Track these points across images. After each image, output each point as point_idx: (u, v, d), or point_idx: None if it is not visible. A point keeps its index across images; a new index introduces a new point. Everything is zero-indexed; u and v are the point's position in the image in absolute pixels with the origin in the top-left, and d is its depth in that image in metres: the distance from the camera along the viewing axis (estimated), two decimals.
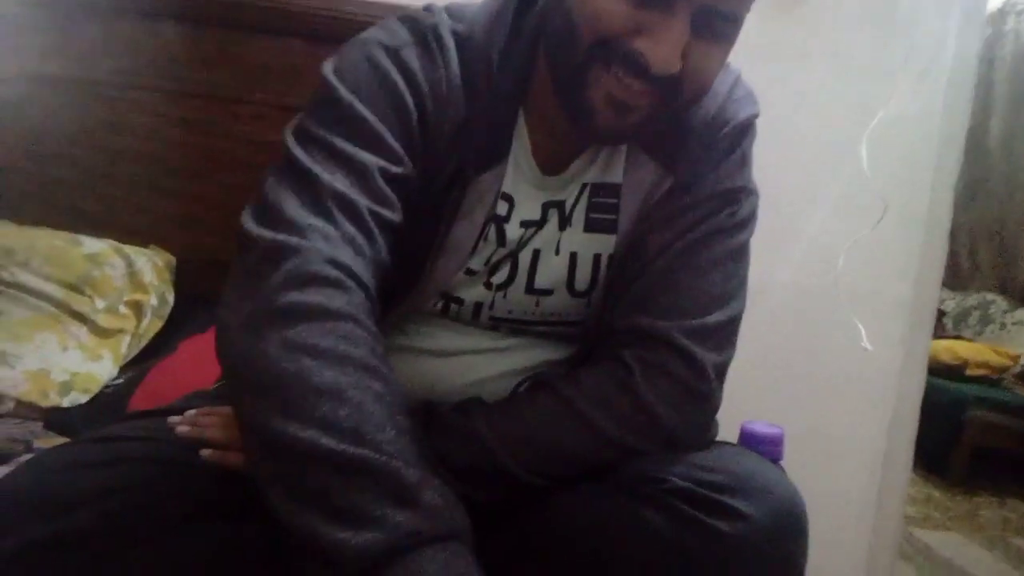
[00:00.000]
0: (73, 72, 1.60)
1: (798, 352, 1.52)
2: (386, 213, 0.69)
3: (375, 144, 0.70)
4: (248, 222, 0.66)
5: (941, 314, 3.69)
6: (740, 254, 0.80)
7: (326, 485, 0.55)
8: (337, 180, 0.67)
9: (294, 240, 0.63)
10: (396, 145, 0.71)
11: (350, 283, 0.64)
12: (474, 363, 0.83)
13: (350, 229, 0.66)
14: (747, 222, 0.80)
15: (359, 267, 0.65)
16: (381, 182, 0.69)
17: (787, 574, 0.71)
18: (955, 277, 3.95)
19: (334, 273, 0.63)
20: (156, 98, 1.62)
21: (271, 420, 0.57)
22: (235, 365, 0.61)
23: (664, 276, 0.77)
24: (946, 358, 3.14)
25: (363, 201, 0.67)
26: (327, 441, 0.55)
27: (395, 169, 0.71)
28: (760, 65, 1.43)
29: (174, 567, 0.68)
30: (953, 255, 3.87)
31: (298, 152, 0.68)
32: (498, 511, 0.75)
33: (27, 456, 1.16)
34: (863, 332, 1.51)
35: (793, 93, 1.49)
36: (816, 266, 1.52)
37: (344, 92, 0.70)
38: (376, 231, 0.68)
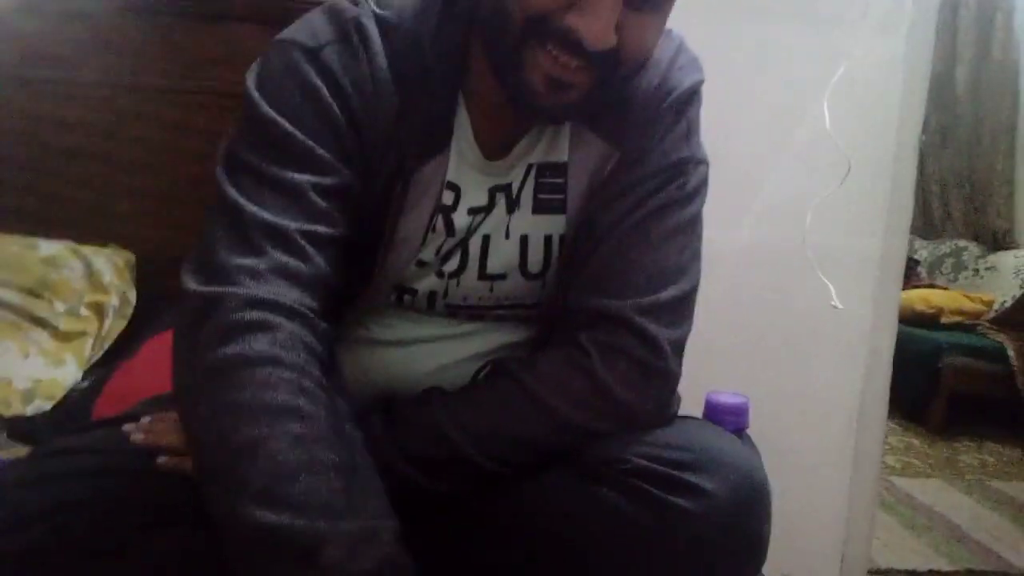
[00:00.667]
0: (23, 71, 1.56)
1: (767, 315, 1.52)
2: (322, 229, 0.69)
3: (304, 160, 0.69)
4: (184, 275, 0.67)
5: (915, 263, 3.71)
6: (692, 226, 0.78)
7: (242, 546, 0.57)
8: (265, 209, 0.67)
9: (218, 290, 0.64)
10: (327, 156, 0.70)
11: (275, 318, 0.64)
12: (433, 351, 0.82)
13: (280, 258, 0.66)
14: (697, 193, 0.79)
15: (291, 295, 0.65)
16: (315, 198, 0.68)
17: (751, 547, 0.71)
18: (928, 225, 3.97)
19: (255, 315, 0.63)
20: (109, 93, 1.58)
21: (202, 484, 0.61)
22: (183, 426, 0.65)
23: (616, 254, 0.76)
24: (921, 307, 3.17)
25: (294, 225, 0.67)
26: (241, 507, 0.57)
27: (328, 181, 0.70)
28: (718, 22, 1.42)
29: None
30: (925, 204, 3.90)
31: (226, 185, 0.68)
32: (461, 499, 0.75)
33: None
34: (833, 291, 1.51)
35: (752, 50, 1.47)
36: (782, 226, 1.51)
37: (267, 109, 0.69)
38: (311, 250, 0.68)
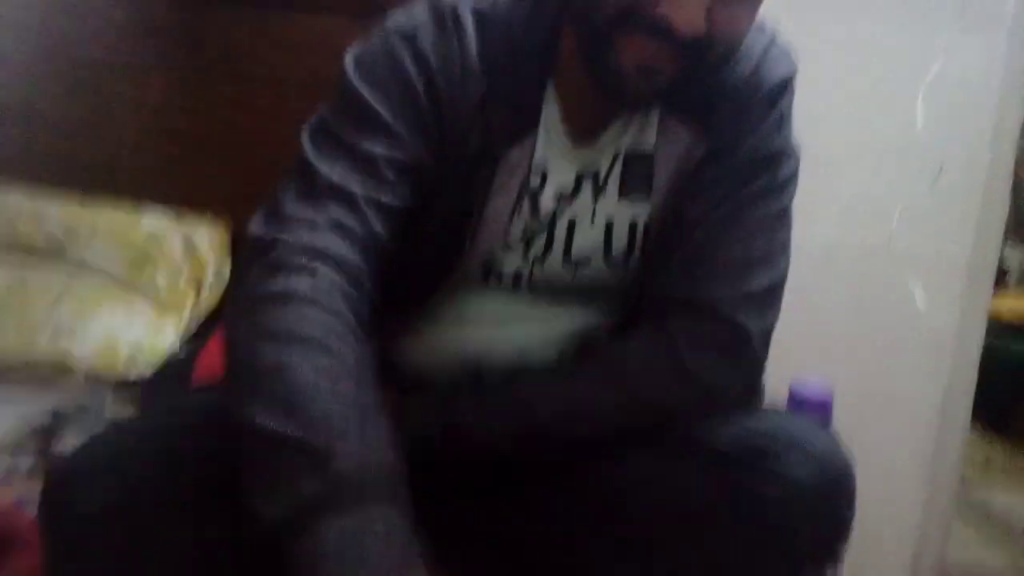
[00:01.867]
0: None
1: (850, 313, 1.49)
2: (385, 199, 0.72)
3: (380, 132, 0.72)
4: (250, 222, 0.71)
5: (1003, 273, 3.56)
6: (781, 218, 0.79)
7: (258, 459, 0.59)
8: (335, 171, 0.71)
9: (274, 235, 0.68)
10: (404, 132, 0.73)
11: (323, 268, 0.67)
12: (518, 331, 0.84)
13: (338, 216, 0.69)
14: (787, 185, 0.79)
15: (343, 250, 0.69)
16: (385, 169, 0.72)
17: (833, 536, 0.72)
18: (1020, 230, 3.80)
19: (304, 261, 0.67)
20: (204, 78, 1.66)
21: (232, 401, 0.63)
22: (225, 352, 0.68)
23: (704, 245, 0.77)
24: (1009, 316, 3.05)
25: (359, 190, 0.71)
26: (261, 419, 0.59)
27: (401, 156, 0.73)
28: (810, 17, 1.41)
29: (234, 536, 0.72)
30: (1017, 208, 3.72)
31: (307, 146, 0.73)
32: (540, 472, 0.77)
33: (99, 423, 1.22)
34: (918, 294, 1.48)
35: (845, 45, 1.45)
36: (869, 225, 1.48)
37: (356, 82, 0.74)
38: (371, 215, 0.71)
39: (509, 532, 0.79)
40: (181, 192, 1.66)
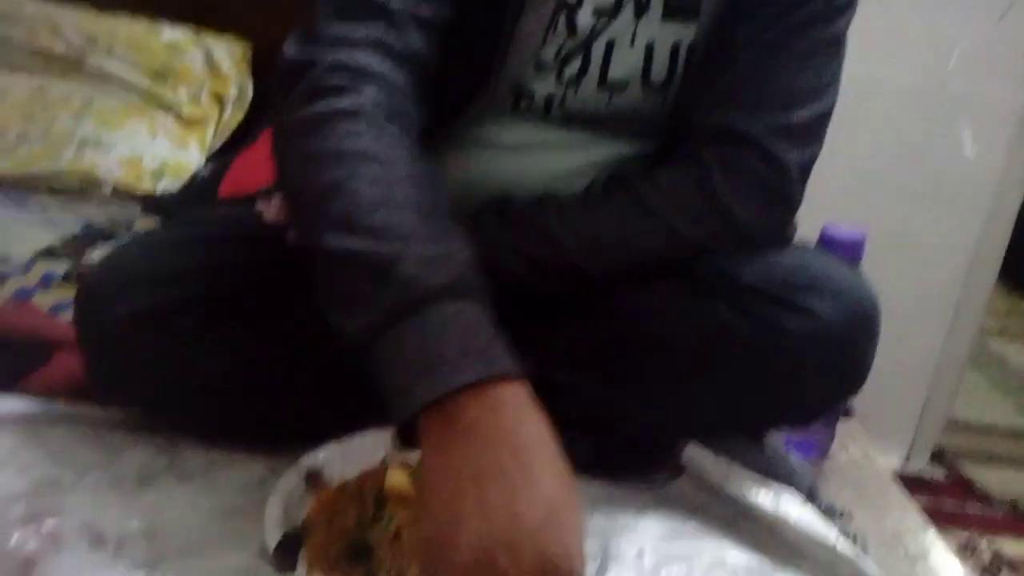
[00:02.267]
0: None
1: (894, 154, 1.45)
2: (425, 11, 0.69)
3: None
4: (286, 44, 0.69)
5: None
6: (835, 45, 0.74)
7: (330, 275, 0.60)
8: None
9: (315, 56, 0.66)
10: None
11: (364, 86, 0.65)
12: (548, 158, 0.82)
13: (377, 32, 0.67)
14: (844, 11, 0.74)
15: (382, 66, 0.66)
16: None
17: (854, 375, 0.73)
18: None
19: (345, 81, 0.65)
20: None
21: (296, 225, 0.64)
22: (277, 181, 0.68)
23: (751, 69, 0.72)
24: None
25: (398, 4, 0.68)
26: (326, 240, 0.59)
27: None
28: None
29: (265, 337, 0.75)
30: None
31: None
32: (567, 301, 0.77)
33: (128, 237, 1.24)
34: (966, 140, 1.42)
35: None
36: (924, 63, 1.40)
37: None
38: (411, 29, 0.68)
39: (531, 365, 0.80)
40: (199, 9, 1.59)
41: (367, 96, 0.65)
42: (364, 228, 0.58)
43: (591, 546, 0.69)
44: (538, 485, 0.47)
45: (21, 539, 0.63)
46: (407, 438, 0.54)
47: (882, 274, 0.80)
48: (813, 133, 0.74)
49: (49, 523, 0.65)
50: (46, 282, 1.11)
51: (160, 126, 1.46)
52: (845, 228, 0.83)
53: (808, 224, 0.82)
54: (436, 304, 0.54)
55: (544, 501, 0.47)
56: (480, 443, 0.49)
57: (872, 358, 0.73)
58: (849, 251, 0.80)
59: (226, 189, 1.35)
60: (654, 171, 0.76)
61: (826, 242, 0.82)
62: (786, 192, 0.73)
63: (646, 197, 0.73)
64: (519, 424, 0.50)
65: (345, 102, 0.64)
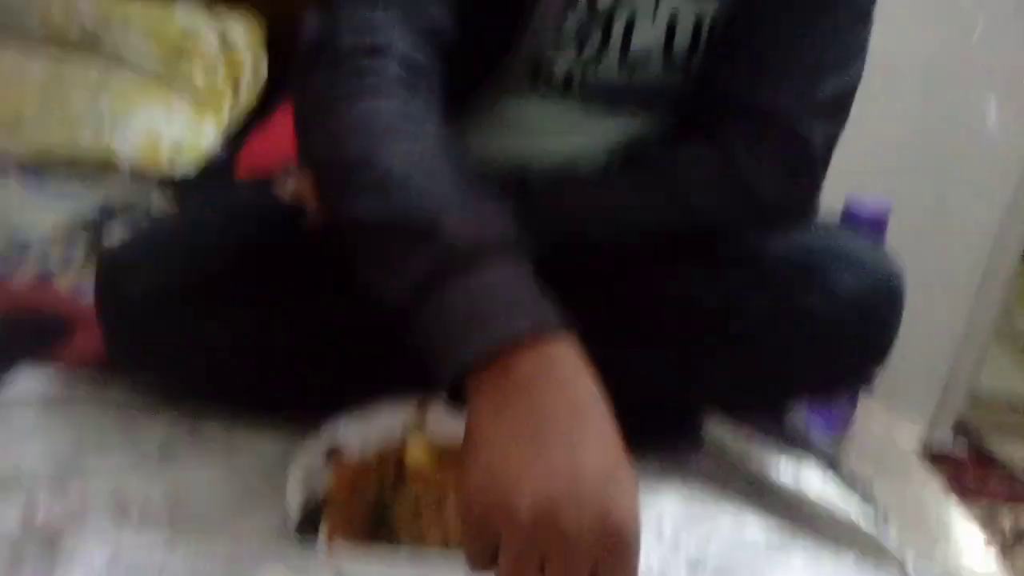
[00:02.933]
0: None
1: (918, 127, 1.43)
2: None
3: None
4: (307, 24, 0.68)
5: None
6: (862, 18, 0.73)
7: (365, 245, 0.58)
8: None
9: (335, 36, 0.65)
10: None
11: (383, 59, 0.64)
12: (566, 137, 0.81)
13: (399, 10, 0.66)
14: None
15: (405, 46, 0.65)
16: None
17: (877, 350, 0.72)
18: None
19: (368, 61, 0.64)
20: None
21: (327, 202, 0.62)
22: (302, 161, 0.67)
23: (775, 41, 0.71)
24: None
25: None
26: (359, 210, 0.57)
27: None
28: None
29: (284, 314, 0.75)
30: None
31: None
32: (586, 278, 0.77)
33: (145, 219, 1.25)
34: (990, 111, 1.39)
35: None
36: (948, 32, 1.38)
37: None
38: (432, 8, 0.67)
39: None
40: None
41: (391, 72, 0.64)
42: (399, 195, 0.56)
43: None
44: (598, 442, 0.46)
45: (47, 511, 0.64)
46: (451, 401, 0.52)
47: (906, 247, 0.79)
48: (839, 108, 0.72)
49: (74, 495, 0.66)
50: (66, 262, 1.12)
51: (176, 109, 1.46)
52: (869, 201, 0.82)
53: (832, 197, 0.81)
54: (480, 263, 0.52)
55: (604, 458, 0.45)
56: (537, 398, 0.47)
57: (896, 333, 0.72)
58: (873, 224, 0.79)
59: (243, 169, 1.36)
60: (675, 147, 0.75)
61: (850, 215, 0.81)
62: (810, 169, 0.72)
63: (667, 174, 0.72)
64: (576, 379, 0.48)
65: (369, 79, 0.63)
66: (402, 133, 0.61)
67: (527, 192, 0.76)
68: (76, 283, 1.06)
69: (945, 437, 1.66)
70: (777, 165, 0.71)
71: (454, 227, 0.53)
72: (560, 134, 0.81)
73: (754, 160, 0.70)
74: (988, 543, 0.81)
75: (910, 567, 0.67)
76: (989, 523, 1.44)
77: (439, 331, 0.51)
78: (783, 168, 0.71)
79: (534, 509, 0.43)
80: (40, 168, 1.37)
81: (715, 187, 0.72)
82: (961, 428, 1.69)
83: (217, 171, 1.40)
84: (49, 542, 0.60)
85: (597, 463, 0.44)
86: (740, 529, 0.71)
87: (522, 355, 0.48)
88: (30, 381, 0.81)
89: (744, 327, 0.71)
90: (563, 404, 0.47)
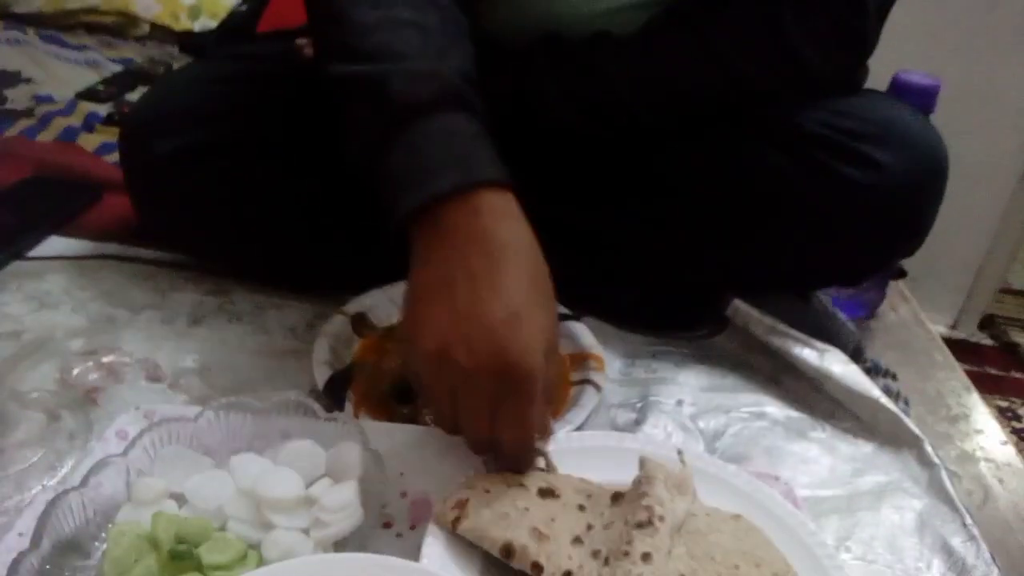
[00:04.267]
0: None
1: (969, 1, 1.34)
2: None
3: None
4: None
5: None
6: None
7: (340, 106, 0.59)
8: None
9: None
10: None
11: None
12: None
13: None
14: None
15: None
16: None
17: (913, 231, 0.70)
18: None
19: None
20: None
21: (321, 57, 0.62)
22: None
23: None
24: None
25: None
26: (332, 68, 0.59)
27: None
28: None
29: (303, 178, 0.74)
30: None
31: None
32: (620, 149, 0.74)
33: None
34: None
35: None
36: None
37: None
38: None
39: (579, 218, 0.77)
40: None
41: None
42: (361, 52, 0.57)
43: (630, 395, 0.71)
44: (505, 286, 0.48)
45: (83, 370, 0.65)
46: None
47: (951, 129, 0.75)
48: None
49: (107, 357, 0.67)
50: (90, 124, 1.10)
51: None
52: (918, 76, 0.77)
53: (876, 74, 0.77)
54: (421, 118, 0.54)
55: (508, 301, 0.48)
56: (457, 247, 0.50)
57: (935, 215, 0.70)
58: (921, 100, 0.75)
59: (267, 24, 1.31)
60: (719, 8, 0.69)
61: (898, 89, 0.76)
62: (862, 31, 0.67)
63: (710, 37, 0.68)
64: (496, 228, 0.50)
65: None
66: (401, 2, 0.59)
67: (560, 53, 0.73)
68: (101, 144, 1.05)
69: (971, 329, 1.65)
70: (828, 29, 0.66)
71: (402, 82, 0.55)
72: None
73: (804, 23, 0.66)
74: (1008, 431, 0.81)
75: (929, 449, 0.67)
76: (1010, 413, 1.45)
77: (384, 190, 0.54)
78: (835, 32, 0.67)
79: (434, 346, 0.47)
80: (60, 26, 1.35)
81: (761, 52, 0.68)
82: (988, 321, 1.68)
83: (239, 26, 1.35)
84: (84, 401, 0.62)
85: (500, 305, 0.47)
86: (760, 411, 0.71)
87: (449, 208, 0.51)
88: (59, 244, 0.81)
89: (777, 199, 0.69)
90: (478, 252, 0.49)
